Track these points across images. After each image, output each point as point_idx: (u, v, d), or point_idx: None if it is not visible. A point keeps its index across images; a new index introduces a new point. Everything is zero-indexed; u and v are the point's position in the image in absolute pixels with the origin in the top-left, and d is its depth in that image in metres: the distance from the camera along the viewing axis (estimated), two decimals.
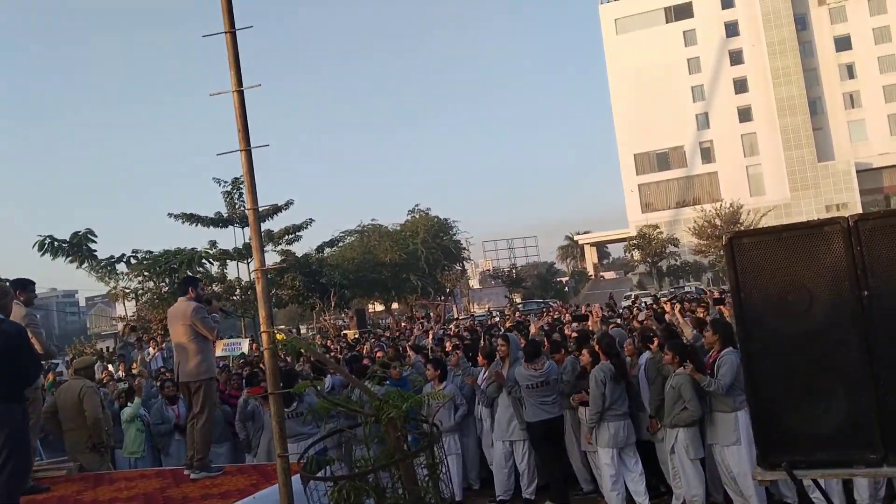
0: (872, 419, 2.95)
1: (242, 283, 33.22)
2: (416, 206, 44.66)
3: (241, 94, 5.59)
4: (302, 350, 2.94)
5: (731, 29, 68.02)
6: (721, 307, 8.63)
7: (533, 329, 8.26)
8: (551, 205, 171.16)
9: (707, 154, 69.24)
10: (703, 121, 69.03)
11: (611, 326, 9.55)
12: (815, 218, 44.55)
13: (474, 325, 18.52)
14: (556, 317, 17.15)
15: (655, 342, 7.49)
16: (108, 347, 32.06)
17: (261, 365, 11.58)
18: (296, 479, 5.40)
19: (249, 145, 5.58)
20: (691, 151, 69.48)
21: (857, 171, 63.72)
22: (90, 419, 7.40)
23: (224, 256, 33.10)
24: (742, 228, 54.07)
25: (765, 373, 3.11)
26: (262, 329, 5.55)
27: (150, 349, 20.68)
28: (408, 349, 10.68)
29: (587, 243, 77.04)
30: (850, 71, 65.59)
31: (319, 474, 3.18)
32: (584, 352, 7.26)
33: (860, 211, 61.26)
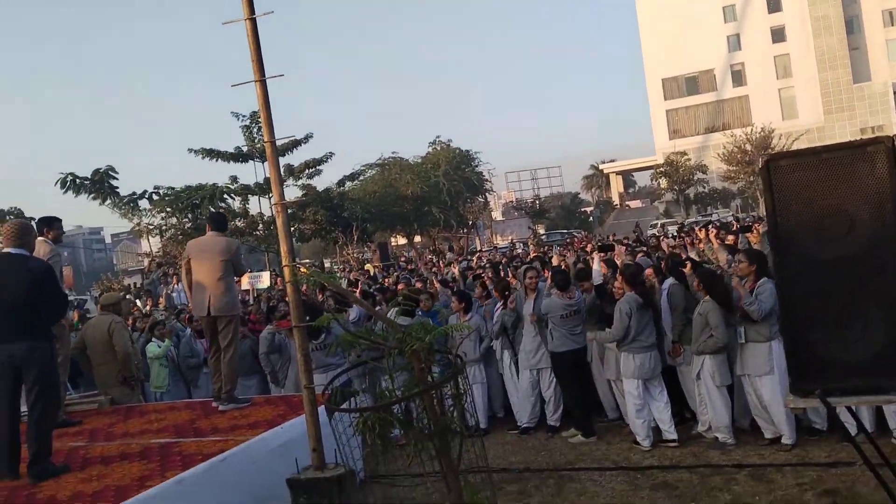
0: None
1: (265, 217, 33.34)
2: (438, 137, 44.18)
3: (253, 22, 5.46)
4: (324, 283, 2.88)
5: None
6: (748, 234, 8.43)
7: (555, 260, 8.15)
8: (576, 134, 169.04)
9: (738, 77, 67.28)
10: (735, 42, 66.84)
11: (637, 255, 9.41)
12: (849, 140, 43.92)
13: (498, 258, 18.42)
14: (580, 247, 16.96)
15: (688, 266, 7.36)
16: (134, 283, 32.64)
17: (285, 298, 11.69)
18: (322, 410, 5.49)
19: (264, 75, 5.47)
20: (722, 75, 67.54)
21: (895, 92, 61.55)
22: (120, 354, 7.52)
23: (245, 191, 33.17)
24: (774, 152, 53.00)
25: (799, 298, 3.00)
26: (283, 263, 5.54)
27: (175, 284, 21.01)
28: (434, 282, 10.64)
29: (613, 172, 76.01)
30: None
31: (344, 406, 3.15)
32: (617, 281, 7.13)
33: None
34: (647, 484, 6.24)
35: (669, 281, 7.24)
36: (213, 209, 27.91)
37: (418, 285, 11.73)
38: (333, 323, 8.98)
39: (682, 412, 7.59)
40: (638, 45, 70.28)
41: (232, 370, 6.83)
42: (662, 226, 36.97)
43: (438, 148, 43.94)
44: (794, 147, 53.00)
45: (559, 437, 7.78)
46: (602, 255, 9.70)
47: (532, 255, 15.60)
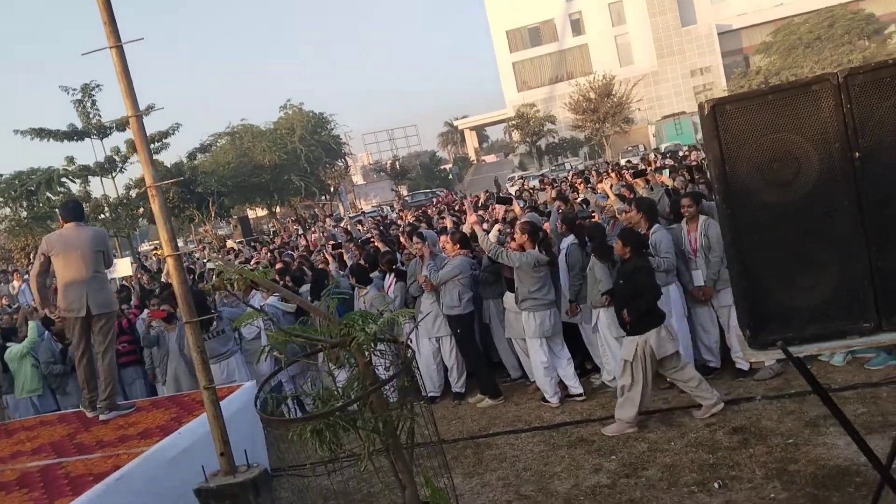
0: (866, 286, 2.81)
1: (110, 199, 31.01)
2: (289, 101, 42.57)
3: None
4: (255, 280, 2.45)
5: None
6: (637, 181, 8.54)
7: (472, 218, 7.92)
8: (428, 91, 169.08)
9: (577, 26, 69.31)
10: None
11: (525, 211, 9.34)
12: (680, 83, 45.83)
13: (376, 222, 17.95)
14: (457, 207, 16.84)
15: (588, 223, 7.36)
16: None
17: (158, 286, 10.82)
18: (224, 406, 5.01)
19: (120, 40, 4.79)
20: (562, 24, 69.32)
21: (719, 34, 65.65)
22: None
23: (85, 172, 30.61)
24: (615, 100, 55.75)
25: (753, 248, 2.90)
26: (166, 253, 4.95)
27: (15, 282, 19.08)
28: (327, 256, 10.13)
29: (467, 128, 76.82)
30: None
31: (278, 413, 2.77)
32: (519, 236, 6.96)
33: (722, 74, 64.09)
34: (564, 442, 6.23)
35: (569, 239, 7.18)
36: (51, 195, 25.56)
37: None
38: (223, 308, 8.46)
39: (584, 364, 7.67)
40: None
41: (112, 374, 6.16)
42: (522, 179, 37.62)
43: (290, 112, 42.38)
44: (634, 92, 55.98)
45: (467, 403, 7.66)
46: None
47: (410, 218, 15.36)
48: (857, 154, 2.75)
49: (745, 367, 6.81)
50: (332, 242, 11.83)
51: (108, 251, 6.31)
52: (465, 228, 8.06)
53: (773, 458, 5.18)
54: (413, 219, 14.12)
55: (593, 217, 7.76)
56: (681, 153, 26.14)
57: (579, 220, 7.60)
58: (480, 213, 11.82)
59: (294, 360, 2.90)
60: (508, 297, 7.22)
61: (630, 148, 51.66)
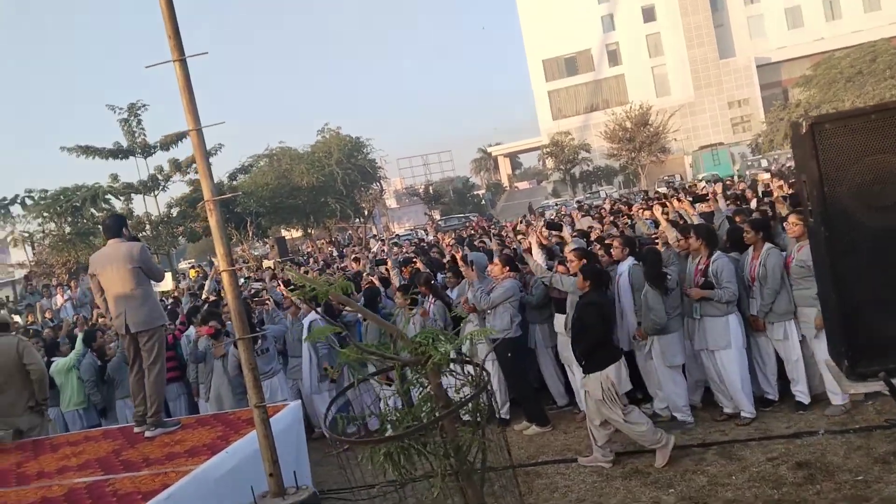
0: None
1: (151, 217, 31.45)
2: (326, 125, 42.94)
3: None
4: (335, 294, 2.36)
5: None
6: (687, 206, 8.36)
7: (535, 240, 7.83)
8: (463, 118, 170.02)
9: (613, 56, 69.42)
10: (609, 22, 68.83)
11: (573, 235, 9.21)
12: (717, 114, 45.49)
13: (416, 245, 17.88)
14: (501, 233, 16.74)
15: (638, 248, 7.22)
16: (6, 297, 30.12)
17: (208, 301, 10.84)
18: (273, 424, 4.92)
19: (184, 54, 4.79)
20: (598, 55, 69.48)
21: (757, 66, 65.25)
22: (36, 375, 6.63)
23: (128, 190, 31.10)
24: (651, 129, 55.47)
25: (851, 274, 2.75)
26: (221, 268, 4.91)
27: (59, 297, 19.31)
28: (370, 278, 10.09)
29: (501, 154, 76.98)
30: None
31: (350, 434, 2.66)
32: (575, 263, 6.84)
33: (761, 106, 63.51)
34: (618, 473, 6.03)
35: (629, 261, 7.03)
36: (94, 211, 25.98)
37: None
38: (268, 326, 8.44)
39: (636, 394, 7.46)
40: (518, 28, 71.19)
41: (158, 390, 6.11)
42: (556, 204, 37.49)
43: (328, 136, 42.74)
44: (671, 123, 55.65)
45: (512, 430, 7.49)
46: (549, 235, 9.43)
47: (447, 240, 15.31)
48: None
49: (805, 400, 6.58)
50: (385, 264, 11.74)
51: (148, 265, 6.16)
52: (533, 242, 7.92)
53: (843, 496, 4.95)
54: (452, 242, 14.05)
55: (656, 243, 7.57)
56: (726, 181, 25.70)
57: (641, 244, 7.45)
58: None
59: (364, 379, 2.78)
60: (559, 320, 7.07)
61: (666, 178, 51.23)
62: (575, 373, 7.15)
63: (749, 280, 6.66)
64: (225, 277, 4.87)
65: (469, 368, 2.84)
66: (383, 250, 18.88)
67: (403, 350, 2.66)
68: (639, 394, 7.47)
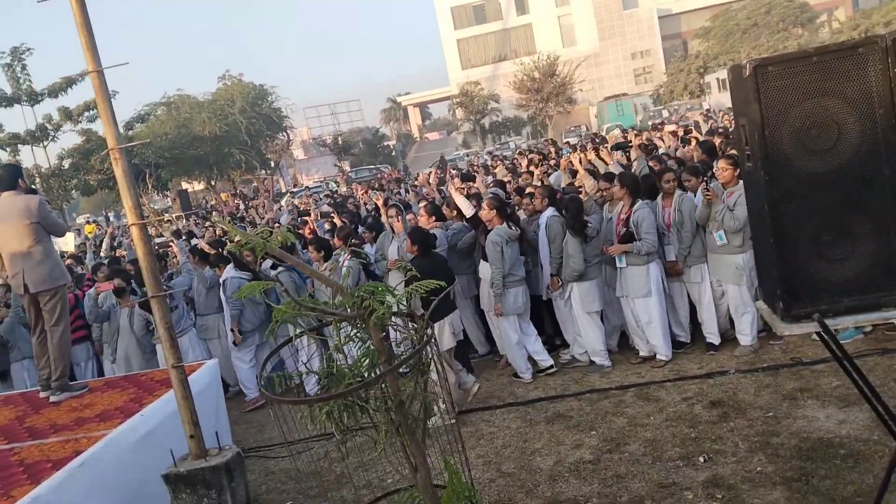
0: None
1: (41, 169, 29.53)
2: (227, 72, 41.20)
3: None
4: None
5: None
6: (612, 154, 8.44)
7: (455, 188, 7.72)
8: (372, 66, 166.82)
9: (521, 4, 69.24)
10: None
11: (490, 186, 9.17)
12: (621, 65, 46.31)
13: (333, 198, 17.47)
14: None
15: (559, 196, 7.23)
16: None
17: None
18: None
19: None
20: (506, 2, 69.16)
21: (659, 18, 66.60)
22: None
23: (14, 141, 29.01)
24: (559, 79, 55.97)
25: (788, 218, 2.78)
26: (130, 221, 4.59)
27: None
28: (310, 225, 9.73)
29: (410, 104, 76.17)
30: None
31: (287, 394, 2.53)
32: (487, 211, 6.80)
33: (662, 58, 65.07)
34: (541, 417, 6.13)
35: (548, 212, 7.03)
36: None
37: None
38: (175, 283, 8.04)
39: (554, 340, 7.58)
40: None
41: (63, 353, 5.74)
42: (467, 155, 37.47)
43: (229, 83, 41.05)
44: (577, 73, 56.29)
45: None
46: (463, 185, 9.34)
47: (360, 191, 15.02)
48: None
49: (716, 342, 6.83)
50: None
51: (48, 220, 5.69)
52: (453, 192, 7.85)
53: (755, 432, 5.17)
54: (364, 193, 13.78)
55: (579, 192, 7.60)
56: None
57: (559, 193, 7.46)
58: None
59: (302, 334, 2.63)
60: (484, 267, 7.01)
61: (572, 128, 52.04)
62: (494, 321, 7.18)
63: (664, 227, 6.80)
64: (134, 231, 4.57)
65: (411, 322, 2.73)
66: (292, 203, 18.36)
67: (342, 304, 2.52)
68: (557, 340, 7.61)
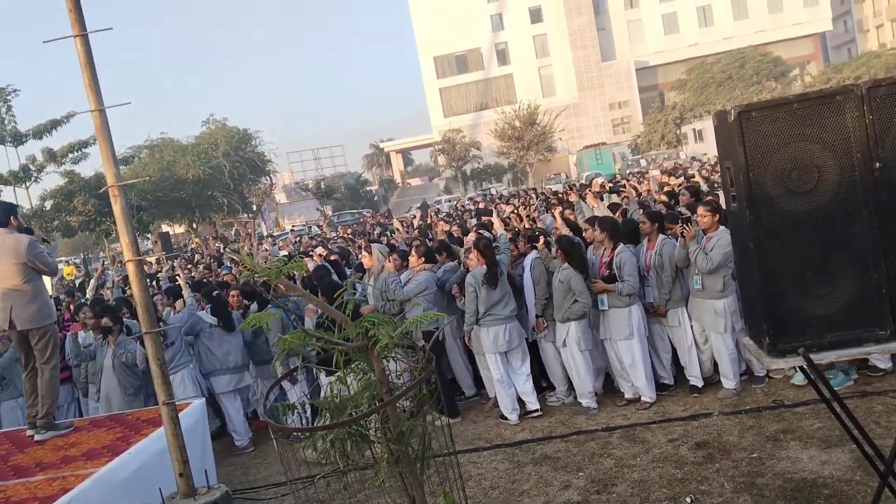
0: (883, 295, 2.86)
1: (24, 210, 29.34)
2: (212, 115, 41.53)
3: None
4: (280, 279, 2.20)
5: None
6: (554, 211, 8.71)
7: (441, 230, 7.83)
8: (355, 113, 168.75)
9: (502, 56, 70.60)
10: (497, 22, 69.94)
11: (475, 229, 9.32)
12: (600, 115, 47.36)
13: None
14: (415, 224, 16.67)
15: (541, 240, 7.36)
16: None
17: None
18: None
19: (86, 29, 4.49)
20: (488, 54, 70.49)
21: (637, 70, 68.16)
22: None
23: None
24: (538, 128, 56.87)
25: (772, 256, 2.91)
26: (126, 258, 4.64)
27: None
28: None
29: (393, 150, 76.83)
30: None
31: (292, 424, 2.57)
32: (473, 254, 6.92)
33: (639, 108, 66.45)
34: (528, 459, 6.14)
35: (532, 254, 7.16)
36: None
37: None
38: (173, 319, 8.01)
39: (541, 382, 7.63)
40: (410, 24, 71.21)
41: (52, 390, 5.71)
42: (448, 200, 37.80)
43: (213, 127, 41.32)
44: (557, 122, 57.32)
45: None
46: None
47: (345, 233, 15.14)
48: (878, 164, 2.80)
49: (698, 384, 6.93)
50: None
51: (39, 260, 5.69)
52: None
53: (740, 472, 5.23)
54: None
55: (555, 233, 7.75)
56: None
57: (542, 234, 7.61)
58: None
59: (305, 366, 2.69)
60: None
61: (552, 175, 52.80)
62: (482, 362, 7.24)
63: (644, 270, 6.94)
64: (130, 268, 4.60)
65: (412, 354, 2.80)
66: (265, 249, 18.41)
67: (345, 335, 2.59)
68: (543, 382, 7.65)
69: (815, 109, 2.83)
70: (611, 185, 12.33)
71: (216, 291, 8.15)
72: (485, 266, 6.86)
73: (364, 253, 8.03)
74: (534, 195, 19.63)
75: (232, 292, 8.32)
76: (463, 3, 67.74)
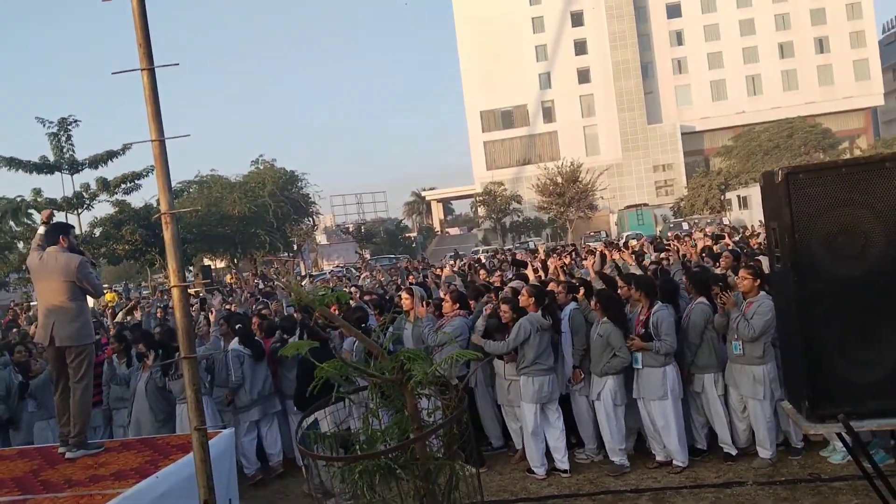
0: None
1: (76, 233, 30.23)
2: (261, 156, 42.55)
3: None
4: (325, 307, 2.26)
5: None
6: (620, 253, 8.63)
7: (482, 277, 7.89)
8: (400, 160, 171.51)
9: (548, 113, 71.38)
10: (545, 80, 70.93)
11: (512, 280, 9.33)
12: (643, 176, 47.50)
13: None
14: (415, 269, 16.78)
15: (581, 292, 7.34)
16: None
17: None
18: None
19: (153, 63, 4.68)
20: (534, 110, 71.35)
21: (682, 134, 68.29)
22: None
23: (51, 206, 29.83)
24: (580, 186, 56.98)
25: (816, 320, 2.87)
26: (172, 283, 4.75)
27: None
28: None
29: (434, 199, 77.60)
30: (678, 37, 69.74)
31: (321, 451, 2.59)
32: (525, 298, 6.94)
33: (683, 172, 66.30)
34: None
35: (571, 305, 7.14)
36: (14, 225, 24.79)
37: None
38: (201, 348, 8.14)
39: (570, 439, 7.51)
40: (459, 78, 72.55)
41: (84, 410, 5.78)
42: (495, 252, 37.88)
43: (262, 167, 42.29)
44: (600, 181, 57.41)
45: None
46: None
47: (411, 279, 15.27)
48: None
49: (732, 452, 6.75)
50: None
51: (87, 281, 5.82)
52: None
53: None
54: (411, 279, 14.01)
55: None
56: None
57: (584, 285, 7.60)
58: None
59: (342, 397, 2.72)
60: (498, 362, 7.08)
61: (592, 234, 52.66)
62: (511, 414, 7.18)
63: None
64: (175, 293, 4.71)
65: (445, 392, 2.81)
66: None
67: (381, 368, 2.62)
68: (572, 438, 7.53)
69: (863, 175, 2.83)
70: (657, 243, 12.31)
71: (239, 322, 8.24)
72: (539, 312, 6.84)
73: (405, 294, 8.06)
74: (572, 251, 19.59)
75: (255, 319, 8.44)
76: (512, 60, 68.96)
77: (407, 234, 68.61)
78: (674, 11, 69.38)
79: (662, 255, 8.76)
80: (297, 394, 6.88)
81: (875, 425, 2.84)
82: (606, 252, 9.88)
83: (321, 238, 64.06)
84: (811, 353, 2.85)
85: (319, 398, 5.70)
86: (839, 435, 2.93)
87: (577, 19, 69.90)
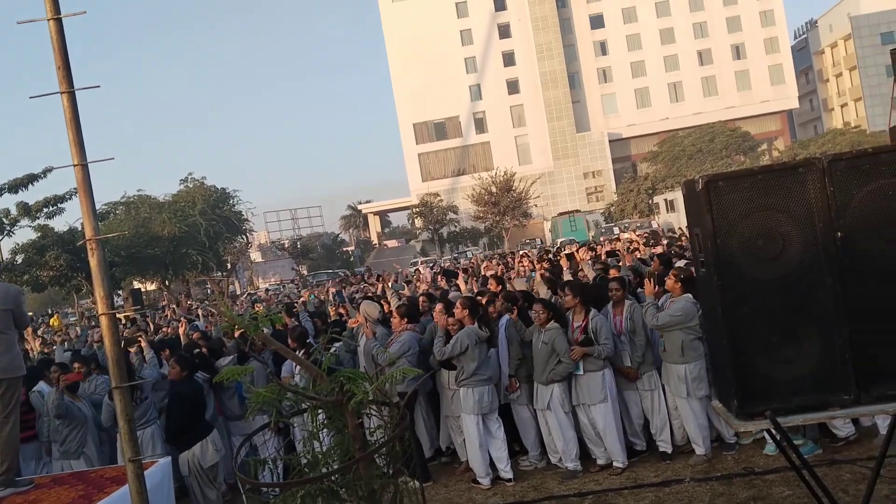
0: (846, 360, 2.93)
1: None
2: (190, 174, 41.63)
3: (58, 22, 4.56)
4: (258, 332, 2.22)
5: (499, 2, 70.95)
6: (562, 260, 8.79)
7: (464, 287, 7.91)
8: (334, 175, 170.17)
9: (480, 124, 72.08)
10: (476, 92, 71.65)
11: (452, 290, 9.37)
12: (574, 183, 48.52)
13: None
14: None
15: (515, 309, 7.42)
16: None
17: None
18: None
19: (73, 86, 4.54)
20: (466, 122, 71.95)
21: (610, 141, 69.93)
22: None
23: None
24: (514, 195, 57.81)
25: (740, 321, 2.99)
26: (100, 311, 4.60)
27: None
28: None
29: (371, 212, 77.34)
30: (602, 47, 71.52)
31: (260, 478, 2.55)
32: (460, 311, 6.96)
33: (612, 178, 67.90)
34: None
35: (506, 317, 7.22)
36: None
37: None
38: (146, 373, 7.88)
39: (513, 446, 7.56)
40: (391, 91, 72.63)
41: (11, 445, 5.54)
42: (435, 263, 37.97)
43: (191, 185, 41.36)
44: (532, 189, 58.30)
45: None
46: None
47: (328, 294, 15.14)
48: (839, 234, 2.91)
49: (668, 450, 6.93)
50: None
51: (18, 311, 5.67)
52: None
53: None
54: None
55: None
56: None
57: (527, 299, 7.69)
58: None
59: (279, 420, 2.69)
60: (443, 374, 7.10)
61: (528, 241, 53.37)
62: (455, 427, 7.19)
63: (616, 334, 7.00)
64: (103, 321, 4.57)
65: (387, 410, 2.81)
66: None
67: (320, 390, 2.61)
68: (516, 446, 7.59)
69: (779, 180, 2.96)
70: (606, 250, 12.67)
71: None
72: (476, 325, 6.87)
73: (359, 312, 7.99)
74: (510, 258, 19.84)
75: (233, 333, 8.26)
76: (443, 73, 69.44)
77: (344, 248, 68.10)
78: (597, 22, 71.11)
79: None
80: (170, 429, 6.85)
81: (801, 420, 2.97)
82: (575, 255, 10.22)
83: (256, 256, 63.03)
84: (737, 354, 2.96)
85: (192, 433, 5.67)
86: (768, 431, 3.04)
87: (505, 31, 70.90)
